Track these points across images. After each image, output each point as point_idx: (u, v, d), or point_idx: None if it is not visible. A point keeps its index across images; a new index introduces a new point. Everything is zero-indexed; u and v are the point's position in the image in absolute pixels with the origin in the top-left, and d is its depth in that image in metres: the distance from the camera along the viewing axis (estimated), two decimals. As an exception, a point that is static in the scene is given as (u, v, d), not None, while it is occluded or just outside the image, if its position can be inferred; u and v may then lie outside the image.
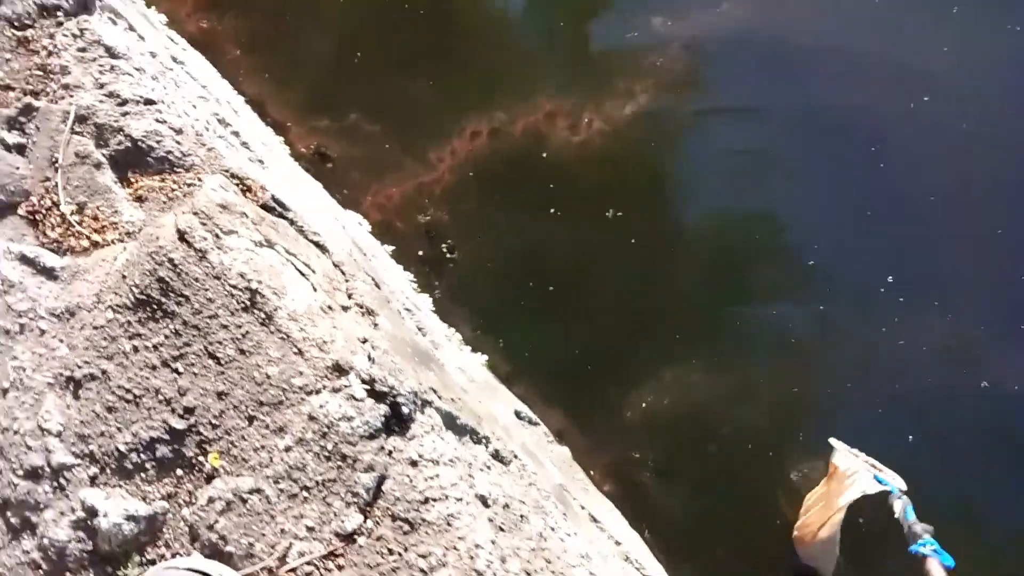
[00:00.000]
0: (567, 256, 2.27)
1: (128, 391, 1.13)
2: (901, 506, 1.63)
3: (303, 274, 1.31)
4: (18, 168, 1.30)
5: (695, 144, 2.42)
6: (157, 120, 1.39)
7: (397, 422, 1.15)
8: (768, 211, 2.28)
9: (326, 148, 2.51)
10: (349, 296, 1.41)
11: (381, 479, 1.10)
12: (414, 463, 1.12)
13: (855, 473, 1.67)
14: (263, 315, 1.16)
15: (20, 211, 1.31)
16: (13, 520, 1.10)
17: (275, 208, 1.44)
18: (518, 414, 1.82)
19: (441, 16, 2.59)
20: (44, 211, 1.32)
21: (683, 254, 2.27)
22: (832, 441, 1.81)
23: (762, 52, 2.47)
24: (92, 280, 1.21)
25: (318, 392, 1.13)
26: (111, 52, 1.44)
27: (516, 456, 1.45)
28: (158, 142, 1.37)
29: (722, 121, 2.40)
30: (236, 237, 1.21)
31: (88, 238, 1.30)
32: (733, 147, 2.34)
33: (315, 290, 1.30)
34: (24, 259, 1.20)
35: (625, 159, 2.40)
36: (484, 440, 1.37)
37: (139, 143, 1.36)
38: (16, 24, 1.45)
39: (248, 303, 1.16)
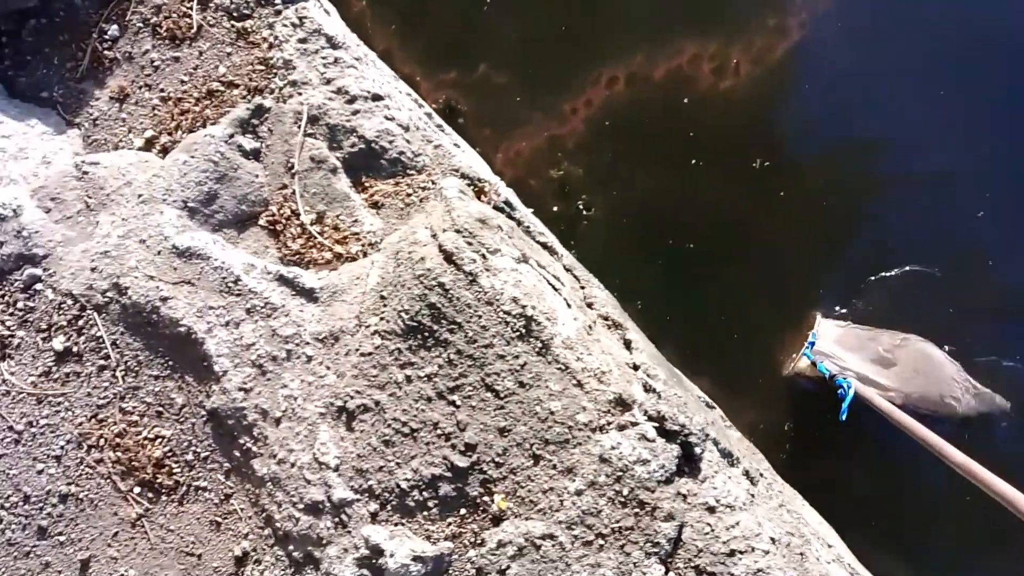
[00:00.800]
0: (709, 211, 2.11)
1: (404, 424, 1.07)
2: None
3: (556, 289, 1.21)
4: (257, 176, 1.24)
5: (855, 88, 2.17)
6: (386, 118, 1.30)
7: (687, 462, 1.06)
8: (947, 170, 2.04)
9: (456, 102, 2.38)
10: (590, 306, 1.31)
11: (680, 527, 1.01)
12: (711, 509, 1.03)
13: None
14: (539, 344, 1.07)
15: (261, 221, 1.25)
16: (296, 554, 1.07)
17: (504, 209, 1.34)
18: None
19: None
20: (284, 221, 1.26)
21: (838, 210, 2.06)
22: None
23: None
24: (350, 301, 1.14)
25: (604, 430, 1.04)
26: (332, 42, 1.34)
27: (762, 475, 1.34)
28: (390, 142, 1.28)
29: (890, 62, 2.12)
30: (501, 256, 1.12)
31: (330, 249, 1.23)
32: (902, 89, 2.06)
33: (569, 306, 1.20)
34: (283, 280, 1.14)
35: (775, 105, 2.18)
36: (736, 461, 1.27)
37: (372, 144, 1.27)
38: (235, 15, 1.37)
39: (523, 331, 1.07)
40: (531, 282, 1.12)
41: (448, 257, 1.10)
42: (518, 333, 1.07)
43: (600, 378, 1.06)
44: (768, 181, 2.23)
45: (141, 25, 1.42)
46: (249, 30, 1.38)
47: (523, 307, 1.07)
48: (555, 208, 2.10)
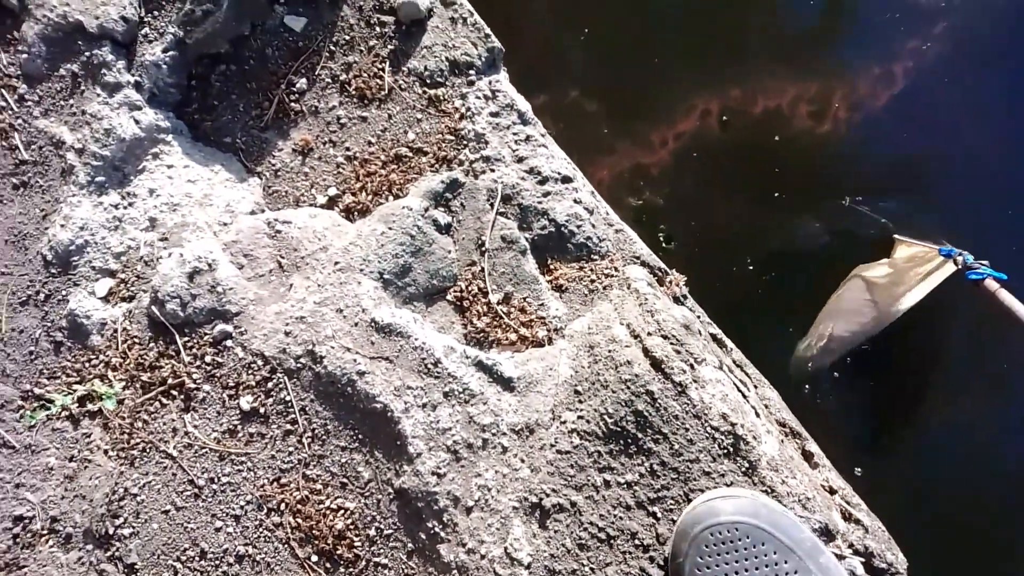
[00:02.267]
0: (793, 245, 2.12)
1: (600, 529, 1.06)
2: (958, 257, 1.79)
3: (745, 396, 1.20)
4: (450, 252, 1.24)
5: (953, 139, 2.16)
6: (575, 201, 1.30)
7: (889, 600, 1.05)
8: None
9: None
10: (766, 407, 1.30)
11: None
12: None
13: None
14: (746, 464, 1.06)
15: (449, 296, 1.25)
16: (483, 647, 1.07)
17: (682, 302, 1.33)
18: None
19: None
20: (471, 298, 1.26)
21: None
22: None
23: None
24: (544, 392, 1.14)
25: (808, 559, 1.03)
26: (523, 118, 1.35)
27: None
28: (578, 226, 1.28)
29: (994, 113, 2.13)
30: (706, 366, 1.11)
31: (516, 331, 1.23)
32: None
33: (759, 415, 1.19)
34: (482, 366, 1.14)
35: (870, 148, 2.19)
36: None
37: (562, 228, 1.27)
38: (428, 81, 1.37)
39: (731, 449, 1.07)
40: (736, 396, 1.12)
41: (656, 364, 1.10)
42: (725, 451, 1.06)
43: (804, 504, 1.05)
44: (854, 216, 2.23)
45: (330, 80, 1.43)
46: (441, 98, 1.39)
47: (732, 424, 1.07)
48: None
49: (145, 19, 1.35)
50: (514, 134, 1.35)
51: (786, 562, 0.81)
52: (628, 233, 1.36)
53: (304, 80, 1.42)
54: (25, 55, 1.33)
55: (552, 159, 1.34)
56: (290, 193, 1.40)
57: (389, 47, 1.42)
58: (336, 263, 1.23)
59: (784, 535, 0.84)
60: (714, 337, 1.37)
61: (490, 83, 1.38)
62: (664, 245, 2.30)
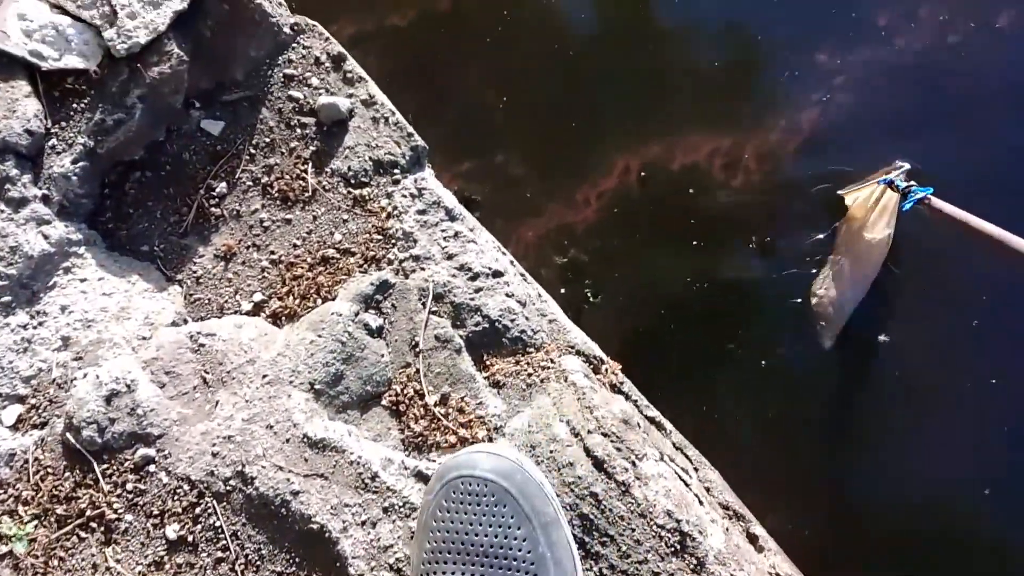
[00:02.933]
0: (706, 288, 2.21)
1: (554, 641, 1.03)
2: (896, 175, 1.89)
3: (687, 484, 1.21)
4: (383, 356, 1.22)
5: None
6: (507, 295, 1.30)
7: None
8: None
9: (472, 194, 2.46)
10: (707, 490, 1.31)
11: None
12: None
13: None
14: (695, 560, 1.06)
15: (384, 401, 1.23)
16: None
17: (619, 388, 1.34)
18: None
19: (589, 56, 2.52)
20: (407, 401, 1.24)
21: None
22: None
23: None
24: (487, 498, 1.12)
25: (762, 654, 1.03)
26: (450, 214, 1.35)
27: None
28: (512, 320, 1.28)
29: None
30: (647, 461, 1.12)
31: (455, 433, 1.21)
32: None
33: (702, 503, 1.20)
34: (421, 477, 1.12)
35: (776, 195, 2.33)
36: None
37: (496, 323, 1.27)
38: (352, 181, 1.37)
39: (678, 546, 1.06)
40: (679, 488, 1.12)
41: (598, 464, 1.09)
42: (672, 549, 1.06)
43: (752, 595, 1.05)
44: (763, 257, 2.33)
45: (251, 183, 1.41)
46: (367, 198, 1.38)
47: (677, 521, 1.07)
48: (562, 291, 2.19)
49: (52, 130, 1.31)
50: (442, 231, 1.35)
51: (519, 528, 0.87)
52: (562, 322, 1.36)
53: (224, 184, 1.39)
54: (-79, 172, 1.27)
55: (482, 254, 1.34)
56: (213, 300, 1.35)
57: (311, 148, 1.41)
58: (264, 376, 1.18)
59: (527, 503, 0.88)
60: (652, 420, 1.37)
61: (415, 181, 1.38)
62: (591, 299, 2.34)
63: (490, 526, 0.91)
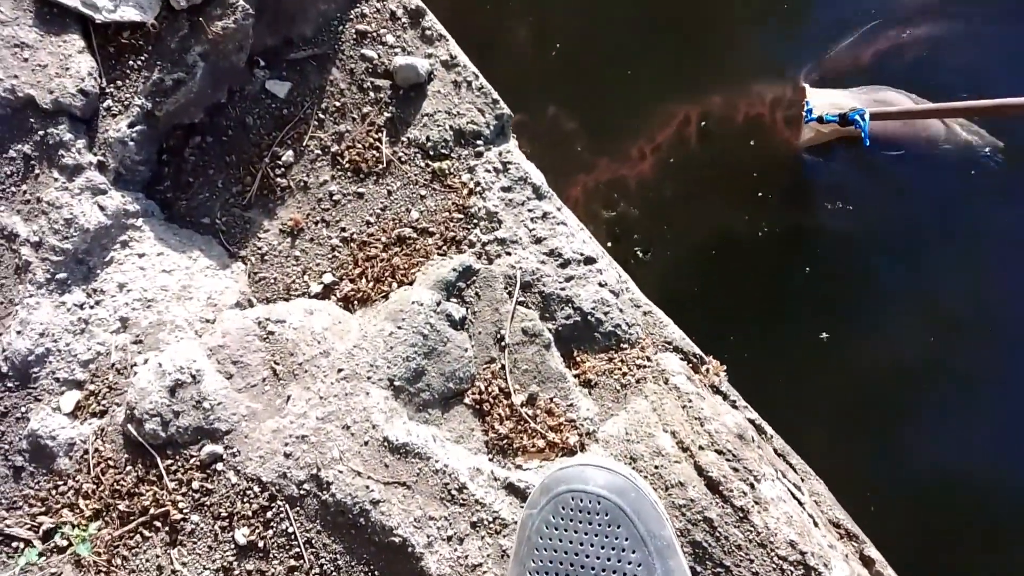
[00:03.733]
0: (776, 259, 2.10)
1: (659, 677, 0.93)
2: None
3: (801, 503, 1.08)
4: (466, 350, 1.10)
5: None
6: (600, 284, 1.17)
7: None
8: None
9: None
10: (816, 503, 1.19)
11: None
12: None
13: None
14: (819, 597, 0.94)
15: (466, 399, 1.11)
16: None
17: (719, 390, 1.21)
18: None
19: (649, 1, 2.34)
20: (491, 400, 1.12)
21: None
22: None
23: None
24: (584, 515, 1.01)
25: None
26: (538, 192, 1.21)
27: None
28: (606, 313, 1.15)
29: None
30: (766, 482, 0.99)
31: (543, 436, 1.10)
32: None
33: (817, 524, 1.07)
34: (513, 489, 1.01)
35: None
36: None
37: (588, 316, 1.15)
38: (431, 153, 1.23)
39: (801, 581, 0.94)
40: (799, 515, 1.00)
41: (713, 486, 0.98)
42: (795, 583, 0.94)
43: (881, 637, 0.93)
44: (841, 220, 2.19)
45: (319, 152, 1.28)
46: (446, 172, 1.25)
47: (801, 553, 0.95)
48: (609, 244, 2.07)
49: (107, 90, 1.18)
50: (529, 211, 1.21)
51: (634, 552, 0.79)
52: (657, 315, 1.23)
53: (290, 152, 1.27)
54: (-32, 134, 1.16)
55: (572, 238, 1.21)
56: (279, 280, 1.24)
57: (385, 115, 1.27)
58: (340, 370, 1.08)
59: (643, 525, 0.81)
60: (751, 423, 1.25)
61: (500, 154, 1.24)
62: (641, 256, 2.21)
63: (602, 547, 0.82)
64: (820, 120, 2.01)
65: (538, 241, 1.20)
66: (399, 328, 1.11)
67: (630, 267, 2.11)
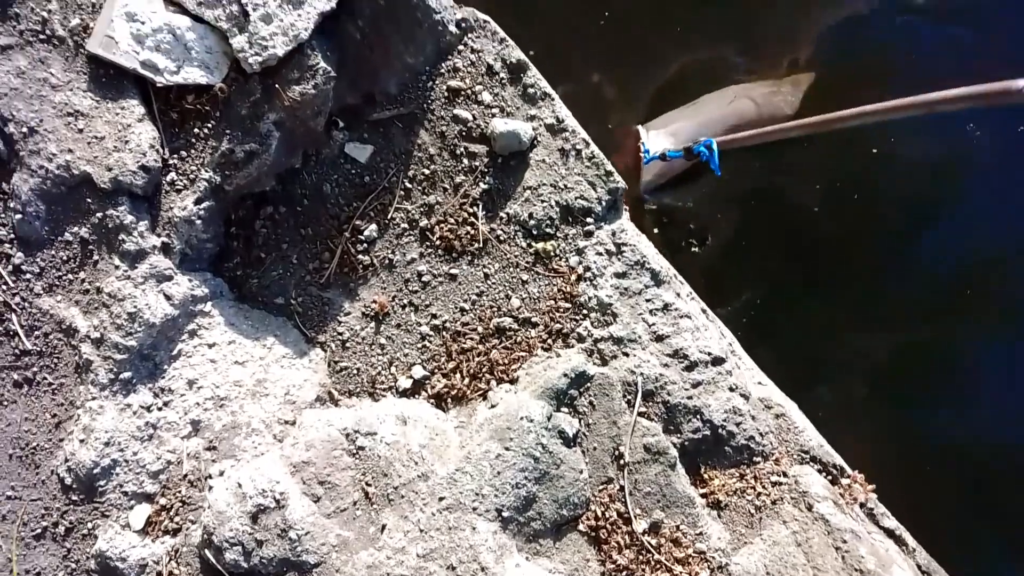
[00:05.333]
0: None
1: None
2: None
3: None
4: (581, 472, 0.97)
5: None
6: (730, 389, 1.01)
7: None
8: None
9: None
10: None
11: None
12: None
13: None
14: None
15: (581, 526, 0.98)
16: None
17: (866, 505, 1.06)
18: None
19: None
20: (609, 527, 0.98)
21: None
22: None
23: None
24: (724, 677, 0.87)
25: None
26: (656, 278, 1.05)
27: None
28: (738, 424, 1.00)
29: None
30: (942, 655, 0.84)
31: (669, 569, 0.96)
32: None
33: None
34: (645, 651, 0.87)
35: None
36: None
37: (719, 429, 1.00)
38: (533, 232, 1.08)
39: None
40: None
41: (884, 662, 0.83)
42: None
43: None
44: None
45: (406, 226, 1.13)
46: (551, 253, 1.09)
47: None
48: (655, 231, 1.96)
49: (170, 162, 1.04)
50: (648, 301, 1.06)
51: None
52: (791, 416, 1.08)
53: (374, 226, 1.12)
54: (19, 215, 1.02)
55: (698, 333, 1.05)
56: (363, 371, 1.10)
57: (482, 186, 1.11)
58: (441, 498, 0.94)
59: None
60: (891, 533, 1.10)
61: (613, 234, 1.08)
62: (694, 249, 2.03)
63: None
64: (663, 158, 1.83)
65: (659, 339, 1.04)
66: (507, 450, 0.97)
67: (684, 260, 1.94)
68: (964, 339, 1.81)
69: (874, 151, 1.87)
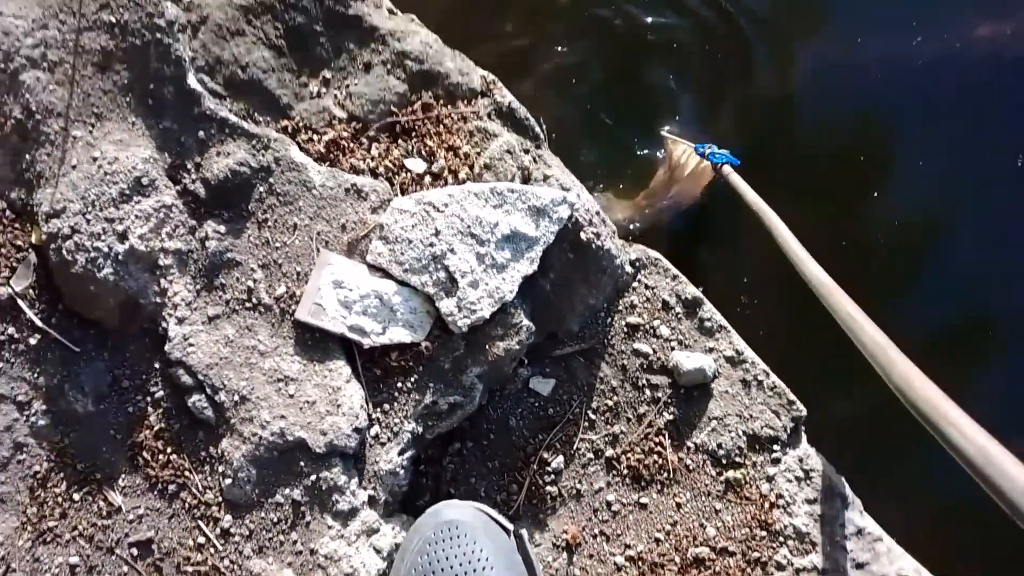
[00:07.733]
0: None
1: None
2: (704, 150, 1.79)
3: None
4: None
5: None
6: (929, 611, 1.05)
7: None
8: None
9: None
10: None
11: None
12: None
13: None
14: None
15: None
16: None
17: None
18: None
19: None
20: None
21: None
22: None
23: None
24: None
25: None
26: (845, 502, 1.10)
27: None
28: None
29: None
30: None
31: None
32: None
33: None
34: None
35: None
36: None
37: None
38: (723, 461, 1.12)
39: None
40: None
41: None
42: None
43: None
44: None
45: (592, 456, 1.17)
46: (741, 481, 1.14)
47: None
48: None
49: (374, 416, 1.07)
50: (842, 526, 1.10)
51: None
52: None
53: (560, 457, 1.16)
54: (229, 479, 1.04)
55: (891, 555, 1.09)
56: (564, 604, 1.12)
57: (666, 416, 1.16)
58: None
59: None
60: None
61: (800, 460, 1.13)
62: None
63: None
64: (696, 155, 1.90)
65: (859, 567, 1.09)
66: None
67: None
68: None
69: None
